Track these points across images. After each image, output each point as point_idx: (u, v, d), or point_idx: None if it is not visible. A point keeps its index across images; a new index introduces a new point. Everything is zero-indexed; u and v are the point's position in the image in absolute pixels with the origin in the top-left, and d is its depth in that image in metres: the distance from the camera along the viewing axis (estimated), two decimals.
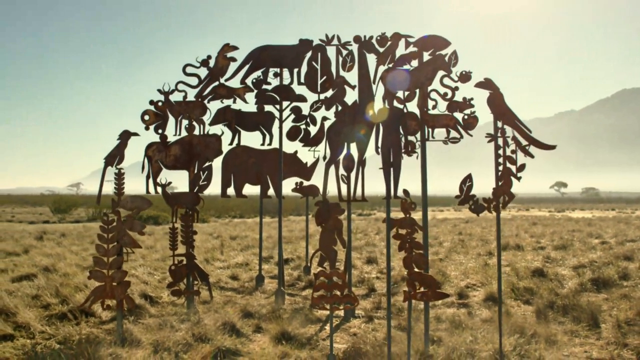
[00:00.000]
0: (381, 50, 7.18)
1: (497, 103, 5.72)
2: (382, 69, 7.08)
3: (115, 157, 7.67)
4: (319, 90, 9.19)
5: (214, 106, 9.43)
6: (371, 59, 7.60)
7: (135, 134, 7.95)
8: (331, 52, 8.98)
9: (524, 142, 5.65)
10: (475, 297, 10.34)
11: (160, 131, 8.55)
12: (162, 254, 15.88)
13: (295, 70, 9.49)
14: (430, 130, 6.82)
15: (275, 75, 9.66)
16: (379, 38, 7.27)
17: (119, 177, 7.39)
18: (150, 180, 8.54)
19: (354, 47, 8.13)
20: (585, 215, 44.92)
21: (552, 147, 5.85)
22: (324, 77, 9.13)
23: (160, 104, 8.54)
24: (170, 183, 8.46)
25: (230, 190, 10.48)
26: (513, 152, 5.64)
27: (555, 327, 7.85)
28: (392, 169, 6.39)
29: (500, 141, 5.62)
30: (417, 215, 6.21)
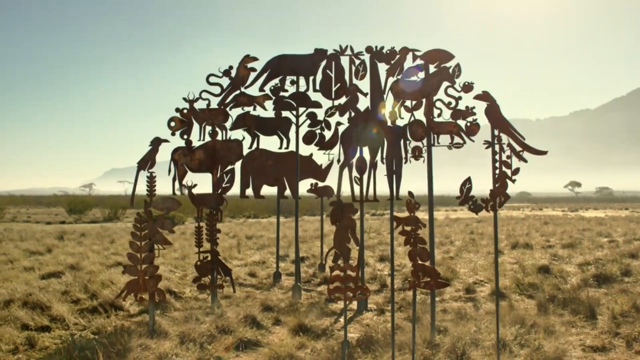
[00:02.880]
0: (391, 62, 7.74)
1: (493, 113, 6.27)
2: (391, 80, 7.65)
3: (147, 161, 8.28)
4: (333, 97, 9.76)
5: (235, 113, 10.05)
6: (382, 68, 8.16)
7: (166, 141, 8.56)
8: (344, 61, 9.52)
9: (518, 148, 6.19)
10: (482, 292, 10.82)
11: (185, 137, 9.14)
12: (180, 252, 16.42)
13: (311, 78, 10.06)
14: (435, 136, 7.41)
15: (292, 82, 10.23)
16: (388, 52, 7.83)
17: (151, 180, 7.98)
18: (176, 182, 9.12)
19: (366, 57, 8.66)
20: (598, 215, 45.01)
21: (544, 153, 6.37)
22: (338, 85, 9.68)
23: (185, 111, 9.14)
24: (195, 185, 9.04)
25: (249, 191, 10.97)
26: (508, 157, 6.16)
27: (555, 318, 8.33)
28: (394, 177, 6.97)
29: (496, 147, 6.16)
30: (426, 215, 6.73)
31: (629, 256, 15.02)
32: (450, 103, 7.22)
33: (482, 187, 6.93)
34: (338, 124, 9.64)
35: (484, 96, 6.43)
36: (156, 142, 8.40)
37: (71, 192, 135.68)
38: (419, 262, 5.58)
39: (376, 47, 8.25)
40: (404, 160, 7.17)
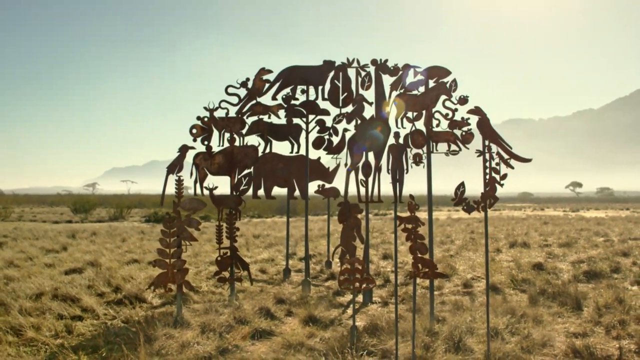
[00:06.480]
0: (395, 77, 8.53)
1: (484, 126, 7.02)
2: (394, 93, 8.43)
3: (175, 166, 9.05)
4: (340, 105, 10.46)
5: (252, 120, 10.79)
6: (386, 78, 8.93)
7: (192, 148, 9.32)
8: (351, 72, 10.18)
9: (506, 156, 6.92)
10: (478, 287, 11.51)
11: (206, 142, 9.87)
12: (192, 250, 17.03)
13: (320, 87, 10.75)
14: (434, 144, 8.19)
15: (302, 92, 10.94)
16: (392, 68, 8.61)
17: (179, 183, 8.74)
18: (198, 184, 9.83)
19: (371, 69, 9.37)
20: (598, 215, 45.49)
21: (528, 160, 7.10)
22: (345, 94, 10.37)
23: (206, 119, 9.88)
24: (216, 187, 9.75)
25: (260, 192, 11.58)
26: (497, 164, 6.90)
27: (544, 310, 9.03)
28: (397, 184, 7.77)
29: (487, 156, 6.90)
30: (426, 214, 7.47)
31: (621, 254, 15.75)
32: (447, 114, 8.05)
33: (478, 187, 7.54)
34: (345, 130, 10.33)
35: (476, 111, 7.20)
36: (183, 149, 9.18)
37: (74, 191, 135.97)
38: (419, 255, 6.31)
39: (381, 59, 9.01)
40: (405, 171, 7.97)
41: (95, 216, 41.95)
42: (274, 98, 10.88)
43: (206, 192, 9.76)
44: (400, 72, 8.60)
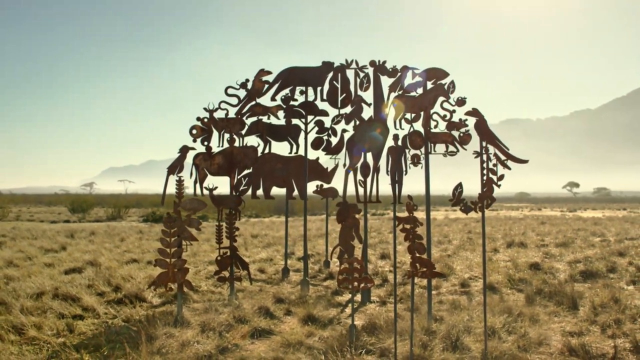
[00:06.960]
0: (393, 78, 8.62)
1: (481, 127, 7.11)
2: (393, 95, 8.53)
3: (176, 167, 9.14)
4: (339, 106, 10.54)
5: (251, 121, 10.86)
6: (384, 79, 9.01)
7: (193, 149, 9.40)
8: (350, 73, 10.29)
9: (503, 158, 7.01)
10: (475, 286, 11.60)
11: (205, 143, 9.96)
12: (190, 250, 17.04)
13: (319, 88, 10.82)
14: (432, 145, 8.28)
15: (301, 92, 11.01)
16: (390, 70, 8.70)
17: (180, 183, 8.81)
18: (197, 185, 9.92)
19: (370, 70, 9.46)
20: (595, 215, 45.61)
21: (525, 161, 7.18)
22: (344, 95, 10.45)
23: (205, 120, 9.97)
24: (216, 188, 9.84)
25: (259, 192, 11.63)
26: (494, 165, 6.99)
27: (540, 309, 9.12)
28: (396, 185, 7.88)
29: (484, 157, 6.98)
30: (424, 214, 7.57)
31: (617, 254, 15.84)
32: (445, 116, 8.13)
33: (476, 187, 7.62)
34: (344, 131, 10.40)
35: (474, 112, 7.29)
36: (184, 150, 9.27)
37: (71, 191, 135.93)
38: (417, 255, 6.39)
39: (379, 61, 9.09)
40: (404, 172, 8.09)
41: (93, 216, 41.99)
42: (273, 99, 10.95)
43: (206, 192, 9.85)
44: (399, 74, 8.69)
